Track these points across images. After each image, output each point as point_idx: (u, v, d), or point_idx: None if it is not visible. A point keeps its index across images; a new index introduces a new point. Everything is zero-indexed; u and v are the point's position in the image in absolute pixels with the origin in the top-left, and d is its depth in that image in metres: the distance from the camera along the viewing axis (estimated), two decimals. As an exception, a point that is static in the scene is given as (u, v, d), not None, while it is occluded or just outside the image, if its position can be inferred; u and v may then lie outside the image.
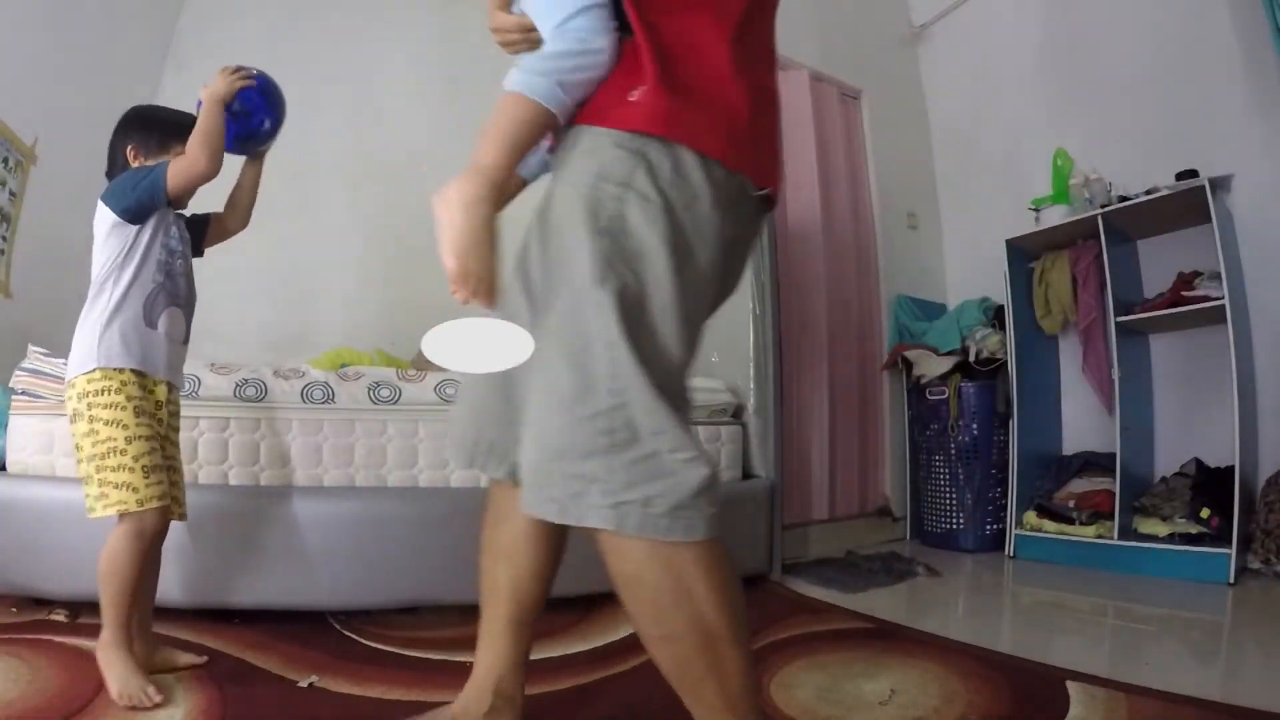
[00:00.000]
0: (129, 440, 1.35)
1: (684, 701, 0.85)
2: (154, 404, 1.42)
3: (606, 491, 0.78)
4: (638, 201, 0.83)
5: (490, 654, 1.11)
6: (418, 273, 3.75)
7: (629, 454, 0.79)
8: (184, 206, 1.55)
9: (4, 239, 2.41)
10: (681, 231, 0.84)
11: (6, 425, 1.72)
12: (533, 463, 0.85)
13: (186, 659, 1.42)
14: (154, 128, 1.50)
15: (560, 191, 0.89)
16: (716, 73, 0.88)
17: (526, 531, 1.08)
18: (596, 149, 0.86)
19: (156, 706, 1.25)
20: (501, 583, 1.11)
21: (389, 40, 3.84)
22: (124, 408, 1.36)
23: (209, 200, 1.59)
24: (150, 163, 1.45)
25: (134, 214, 1.40)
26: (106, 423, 1.34)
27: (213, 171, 1.41)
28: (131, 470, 1.34)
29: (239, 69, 1.49)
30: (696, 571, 0.79)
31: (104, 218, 1.41)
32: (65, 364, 1.71)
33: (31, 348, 1.77)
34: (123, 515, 1.32)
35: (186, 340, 1.51)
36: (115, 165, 1.50)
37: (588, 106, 0.90)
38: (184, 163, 1.39)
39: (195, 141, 1.40)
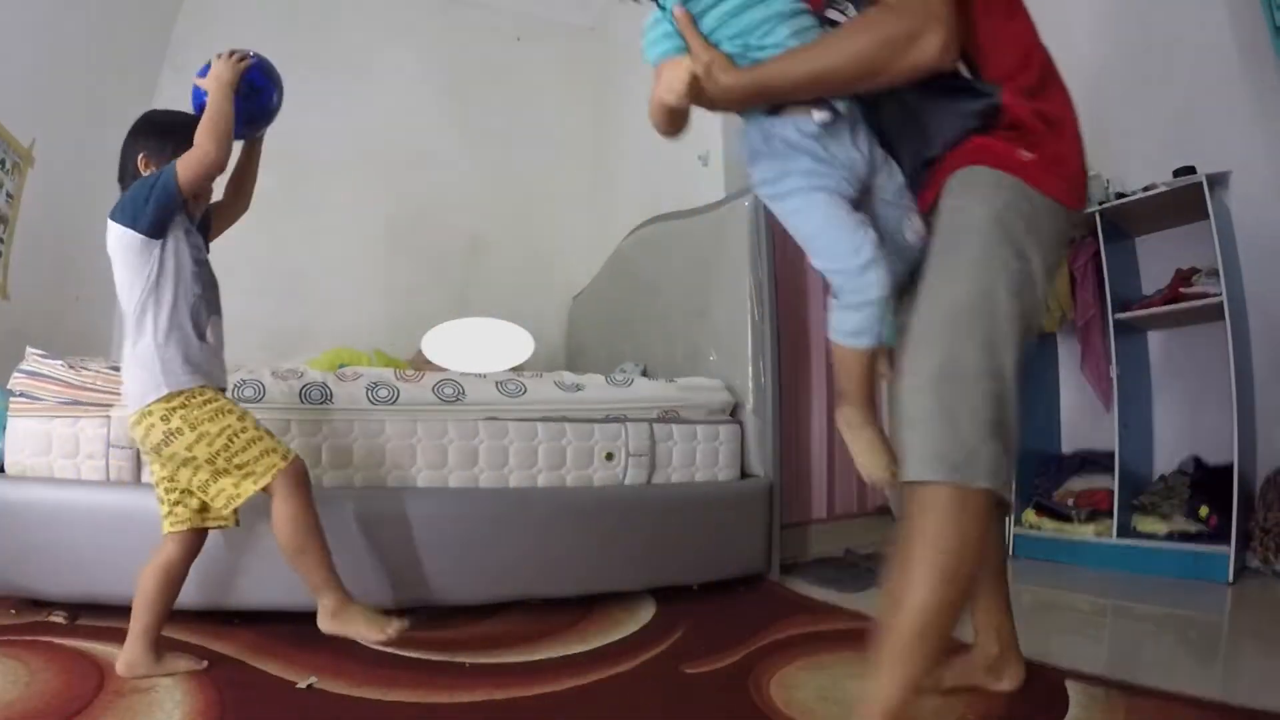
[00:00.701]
0: (240, 418, 1.41)
1: (894, 657, 1.00)
2: None
3: (992, 455, 0.95)
4: (1034, 237, 1.04)
5: (984, 610, 1.35)
6: (418, 273, 3.77)
7: (1001, 428, 0.97)
8: (197, 216, 1.53)
9: (1, 241, 2.41)
10: (1052, 265, 1.07)
11: (5, 427, 1.72)
12: (929, 431, 0.98)
13: (186, 664, 1.42)
14: (168, 135, 1.46)
15: (975, 209, 1.07)
16: (1069, 136, 1.12)
17: None
18: (1002, 185, 1.06)
19: (400, 631, 1.41)
20: None
21: (389, 41, 3.84)
22: (215, 400, 1.41)
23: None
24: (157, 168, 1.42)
25: (156, 226, 1.38)
26: (210, 419, 1.37)
27: (223, 159, 1.39)
28: (261, 439, 1.40)
29: (235, 52, 1.48)
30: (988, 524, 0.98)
31: (122, 238, 1.38)
32: (63, 365, 1.72)
33: (29, 349, 1.76)
34: (275, 479, 1.38)
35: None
36: (126, 174, 1.46)
37: (986, 153, 1.08)
38: (193, 155, 1.36)
39: (204, 130, 1.37)
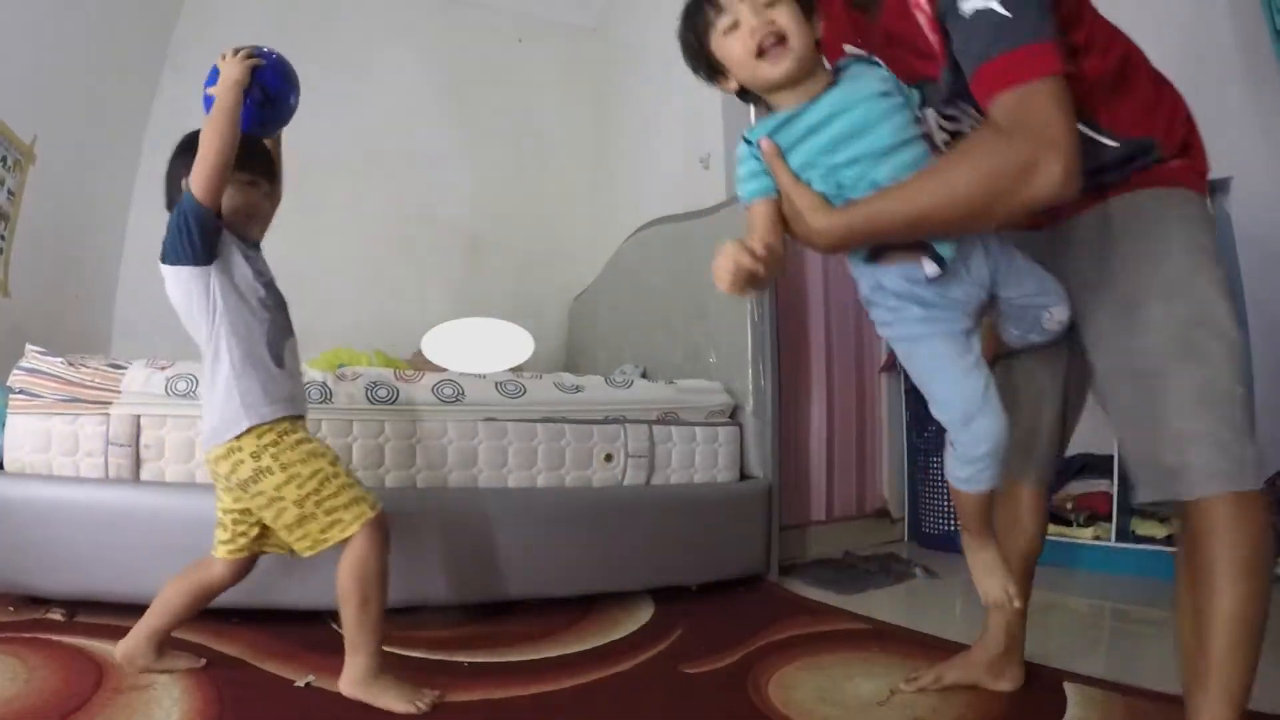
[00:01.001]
0: (333, 463, 1.36)
1: (1210, 673, 0.97)
2: None
3: (1256, 457, 0.97)
4: (1211, 235, 1.06)
5: None
6: (418, 273, 3.77)
7: (1253, 428, 0.99)
8: (256, 236, 1.49)
9: (2, 238, 2.41)
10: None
11: (4, 424, 1.72)
12: (1201, 451, 0.98)
13: (185, 662, 1.42)
14: None
15: (1162, 230, 1.06)
16: (1194, 132, 1.12)
17: (1029, 507, 1.36)
18: (1172, 199, 1.06)
19: (434, 702, 1.31)
20: (1010, 548, 1.31)
21: (389, 41, 3.84)
22: (307, 441, 1.36)
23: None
24: None
25: (203, 250, 1.31)
26: (303, 461, 1.32)
27: (226, 153, 1.29)
28: (351, 485, 1.35)
29: (241, 50, 1.39)
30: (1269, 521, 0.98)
31: (178, 276, 1.33)
32: (63, 362, 1.72)
33: (29, 347, 1.76)
34: (361, 529, 1.32)
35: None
36: (173, 198, 1.40)
37: (1143, 175, 1.07)
38: (196, 163, 1.29)
39: (203, 132, 1.29)
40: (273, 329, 1.39)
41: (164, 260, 1.34)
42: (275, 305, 1.43)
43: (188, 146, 1.39)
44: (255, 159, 1.42)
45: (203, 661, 1.43)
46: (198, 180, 1.29)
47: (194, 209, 1.29)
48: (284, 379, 1.38)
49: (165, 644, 1.41)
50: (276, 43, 1.51)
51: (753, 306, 2.38)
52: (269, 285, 1.44)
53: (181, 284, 1.33)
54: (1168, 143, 1.08)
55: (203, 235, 1.31)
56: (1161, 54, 2.89)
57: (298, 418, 1.39)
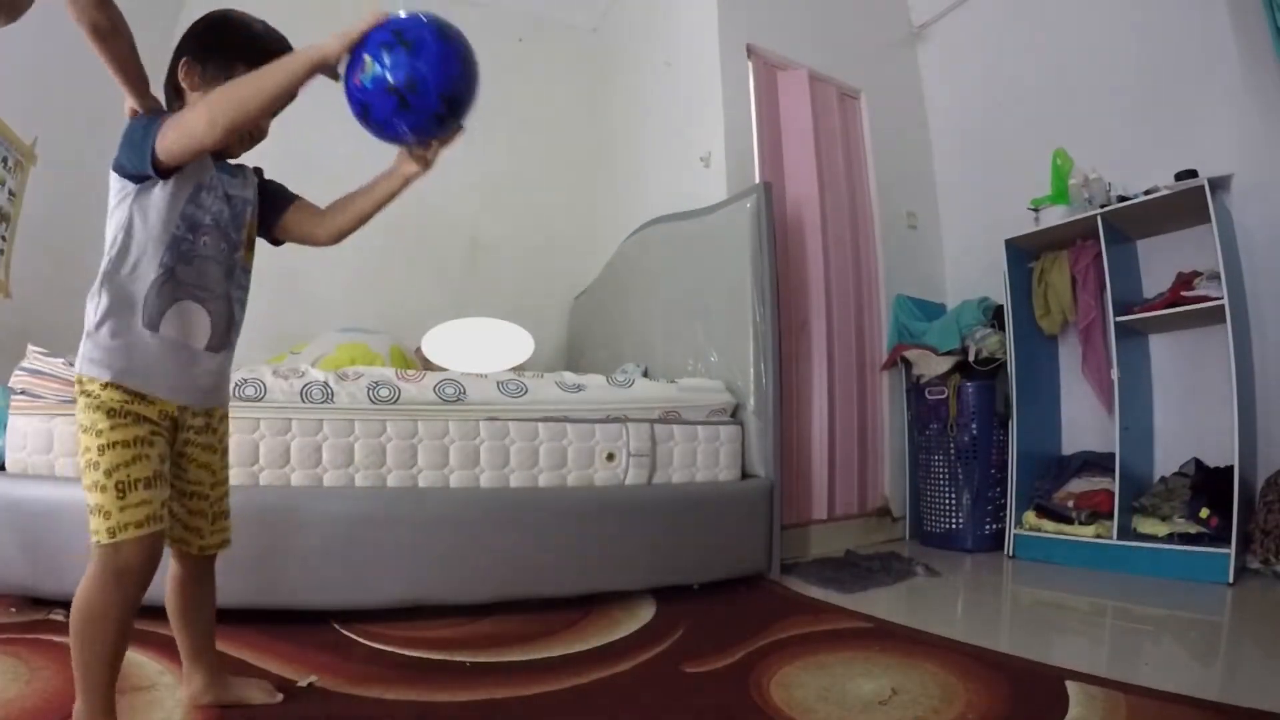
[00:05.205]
0: (102, 450, 1.05)
1: None
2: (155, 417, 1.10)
3: None
4: None
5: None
6: (418, 273, 3.77)
7: None
8: (234, 154, 1.21)
9: (3, 239, 2.41)
10: None
11: (6, 425, 1.72)
12: None
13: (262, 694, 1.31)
14: (211, 52, 1.14)
15: None
16: None
17: None
18: None
19: None
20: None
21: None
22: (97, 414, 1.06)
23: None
24: (202, 91, 1.10)
25: (125, 172, 1.08)
26: (84, 430, 1.06)
27: (215, 144, 1.03)
28: (104, 489, 1.03)
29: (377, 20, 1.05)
30: None
31: (112, 179, 1.09)
32: (65, 364, 1.72)
33: (31, 347, 1.77)
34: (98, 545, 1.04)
35: (223, 347, 1.18)
36: (170, 83, 1.18)
37: None
38: (182, 121, 1.03)
39: (214, 96, 1.02)
40: (163, 278, 1.10)
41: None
42: (186, 257, 1.12)
43: (202, 30, 1.17)
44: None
45: (279, 697, 1.31)
46: (167, 141, 1.03)
47: (139, 150, 1.04)
48: (147, 343, 1.08)
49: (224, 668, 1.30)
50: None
51: (754, 304, 2.38)
52: (197, 228, 1.14)
53: (113, 183, 1.12)
54: None
55: (134, 166, 1.06)
56: (1162, 53, 2.91)
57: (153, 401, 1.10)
